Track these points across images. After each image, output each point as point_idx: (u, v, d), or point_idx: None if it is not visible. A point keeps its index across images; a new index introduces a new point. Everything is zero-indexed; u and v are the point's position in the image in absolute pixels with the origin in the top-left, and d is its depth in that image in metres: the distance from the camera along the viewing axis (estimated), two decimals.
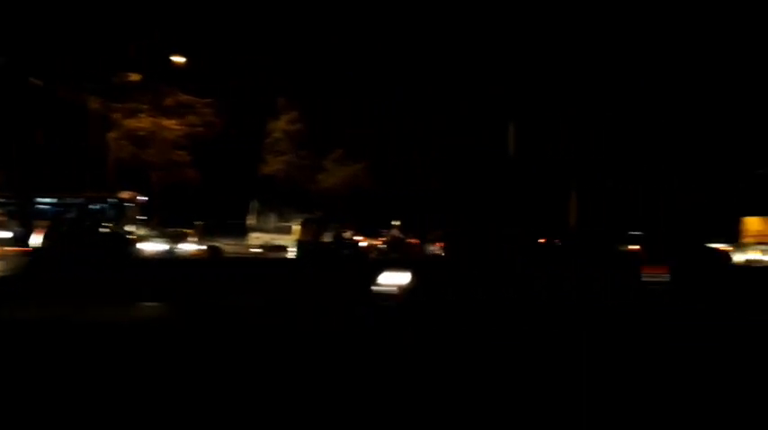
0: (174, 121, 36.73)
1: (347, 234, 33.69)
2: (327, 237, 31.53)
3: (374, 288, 13.27)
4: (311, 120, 37.72)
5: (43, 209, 29.44)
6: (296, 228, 32.16)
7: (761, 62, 36.47)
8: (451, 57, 38.45)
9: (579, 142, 39.55)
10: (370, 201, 38.36)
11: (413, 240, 35.19)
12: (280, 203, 35.06)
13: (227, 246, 30.45)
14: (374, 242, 35.07)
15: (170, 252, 28.32)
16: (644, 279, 15.47)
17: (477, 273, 15.90)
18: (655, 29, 37.25)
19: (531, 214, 39.79)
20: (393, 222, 35.54)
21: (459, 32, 38.37)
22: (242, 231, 32.82)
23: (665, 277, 15.57)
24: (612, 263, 22.98)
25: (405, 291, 13.26)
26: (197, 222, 31.54)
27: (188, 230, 30.27)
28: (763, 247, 33.24)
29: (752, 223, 36.45)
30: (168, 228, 29.92)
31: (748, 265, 29.35)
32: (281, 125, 37.70)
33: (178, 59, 35.73)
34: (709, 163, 39.34)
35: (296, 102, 37.95)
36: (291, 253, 30.33)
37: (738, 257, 30.71)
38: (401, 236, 34.01)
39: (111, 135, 35.82)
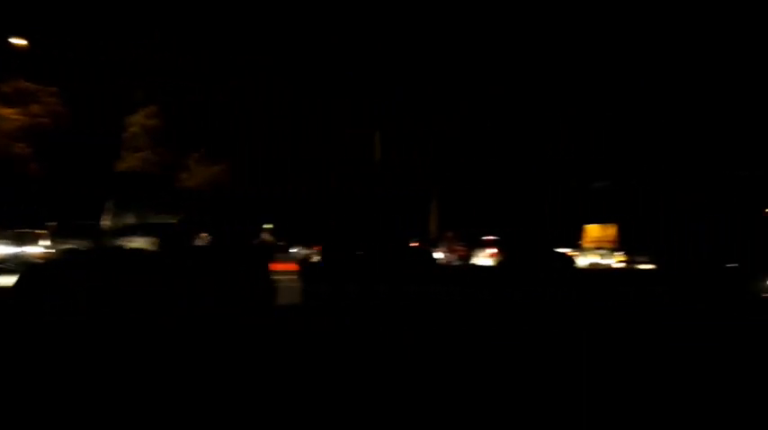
0: (12, 110, 33.04)
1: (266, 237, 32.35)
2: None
3: None
4: (172, 115, 35.28)
5: None
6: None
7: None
8: (320, 64, 37.87)
9: (441, 150, 40.36)
10: (237, 202, 36.51)
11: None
12: (138, 203, 32.45)
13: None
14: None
15: (17, 256, 25.26)
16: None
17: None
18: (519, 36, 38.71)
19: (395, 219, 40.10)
20: (264, 226, 34.06)
21: (325, 40, 37.95)
22: (97, 233, 29.91)
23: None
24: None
25: None
26: (49, 223, 28.29)
27: (40, 232, 27.06)
28: (602, 252, 35.77)
29: (592, 230, 39.51)
30: (15, 229, 26.57)
31: (591, 268, 31.42)
32: (138, 119, 34.91)
33: (18, 42, 32.06)
34: (555, 175, 41.42)
35: (155, 95, 35.32)
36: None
37: (582, 261, 32.69)
38: (272, 240, 32.63)
39: None
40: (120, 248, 20.16)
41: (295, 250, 32.76)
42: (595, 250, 36.47)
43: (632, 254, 33.43)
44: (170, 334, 10.45)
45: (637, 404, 6.21)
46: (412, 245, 31.79)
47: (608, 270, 31.20)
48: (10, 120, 33.01)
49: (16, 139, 33.21)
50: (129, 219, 31.39)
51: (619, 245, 36.37)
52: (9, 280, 13.95)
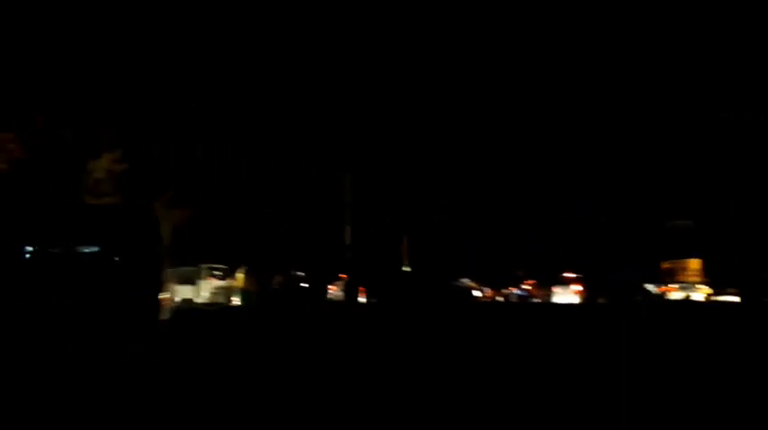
0: None
1: None
2: None
3: None
4: (137, 160, 34.10)
5: None
6: None
7: None
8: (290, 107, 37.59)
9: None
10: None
11: None
12: None
13: None
14: None
15: None
16: None
17: None
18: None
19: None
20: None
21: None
22: None
23: None
24: None
25: None
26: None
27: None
28: (687, 285, 37.08)
29: (693, 264, 39.52)
30: None
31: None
32: (103, 165, 33.66)
33: None
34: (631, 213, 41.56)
35: (120, 140, 34.16)
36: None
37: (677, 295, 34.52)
38: None
39: None
40: None
41: None
42: (689, 284, 36.11)
43: (718, 287, 33.95)
44: None
45: None
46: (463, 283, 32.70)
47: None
48: None
49: None
50: None
51: (704, 278, 36.74)
52: None
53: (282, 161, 39.37)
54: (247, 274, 30.61)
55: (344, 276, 33.33)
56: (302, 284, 33.31)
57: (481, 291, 39.80)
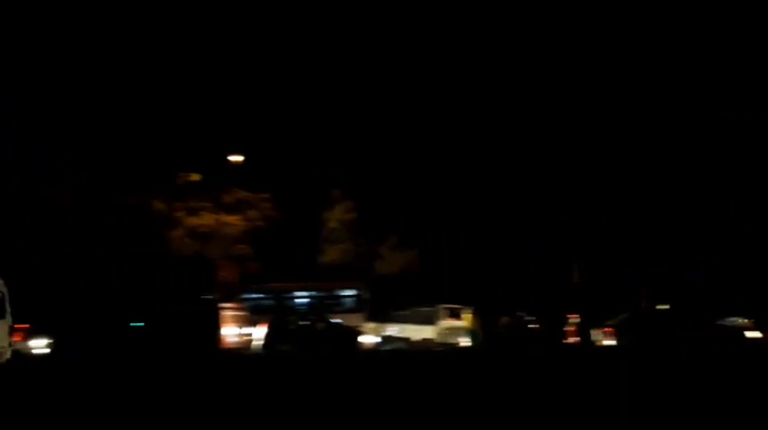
0: (234, 217, 38.07)
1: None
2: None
3: None
4: (364, 208, 38.60)
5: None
6: None
7: None
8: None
9: None
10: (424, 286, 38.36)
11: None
12: None
13: None
14: None
15: None
16: None
17: None
18: None
19: None
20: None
21: None
22: None
23: None
24: None
25: None
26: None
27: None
28: None
29: None
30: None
31: None
32: (336, 215, 38.66)
33: (235, 158, 37.34)
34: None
35: (349, 191, 39.00)
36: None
37: None
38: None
39: (176, 233, 37.30)
40: None
41: None
42: None
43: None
44: None
45: None
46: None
47: None
48: (232, 225, 38.06)
49: (238, 242, 38.14)
50: None
51: None
52: None
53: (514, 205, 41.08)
54: (474, 315, 30.62)
55: (574, 316, 31.15)
56: (531, 326, 32.00)
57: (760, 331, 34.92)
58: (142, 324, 23.94)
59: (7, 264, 31.29)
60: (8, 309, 14.54)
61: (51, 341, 23.36)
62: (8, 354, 14.76)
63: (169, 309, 25.23)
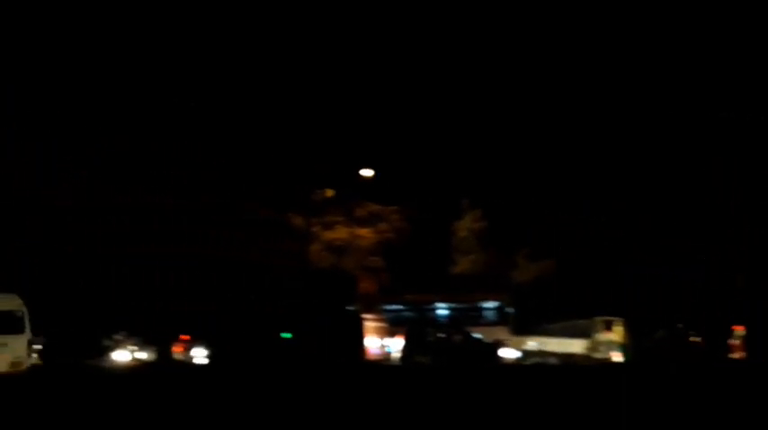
0: (366, 230, 39.25)
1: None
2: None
3: None
4: (494, 217, 38.70)
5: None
6: None
7: None
8: None
9: None
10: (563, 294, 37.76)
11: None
12: None
13: None
14: None
15: None
16: None
17: None
18: None
19: None
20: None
21: None
22: None
23: None
24: None
25: None
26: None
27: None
28: None
29: None
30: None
31: None
32: (466, 224, 38.98)
33: (366, 173, 38.48)
34: None
35: (478, 201, 39.24)
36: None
37: None
38: None
39: (314, 247, 38.90)
40: None
41: None
42: None
43: None
44: None
45: None
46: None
47: None
48: (365, 238, 39.27)
49: (371, 254, 39.29)
50: None
51: None
52: None
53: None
54: (625, 328, 28.54)
55: (740, 328, 29.38)
56: (692, 339, 29.49)
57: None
58: (290, 335, 25.14)
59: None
60: (27, 325, 16.60)
61: (209, 352, 24.98)
62: (27, 364, 16.81)
63: (315, 320, 26.32)
